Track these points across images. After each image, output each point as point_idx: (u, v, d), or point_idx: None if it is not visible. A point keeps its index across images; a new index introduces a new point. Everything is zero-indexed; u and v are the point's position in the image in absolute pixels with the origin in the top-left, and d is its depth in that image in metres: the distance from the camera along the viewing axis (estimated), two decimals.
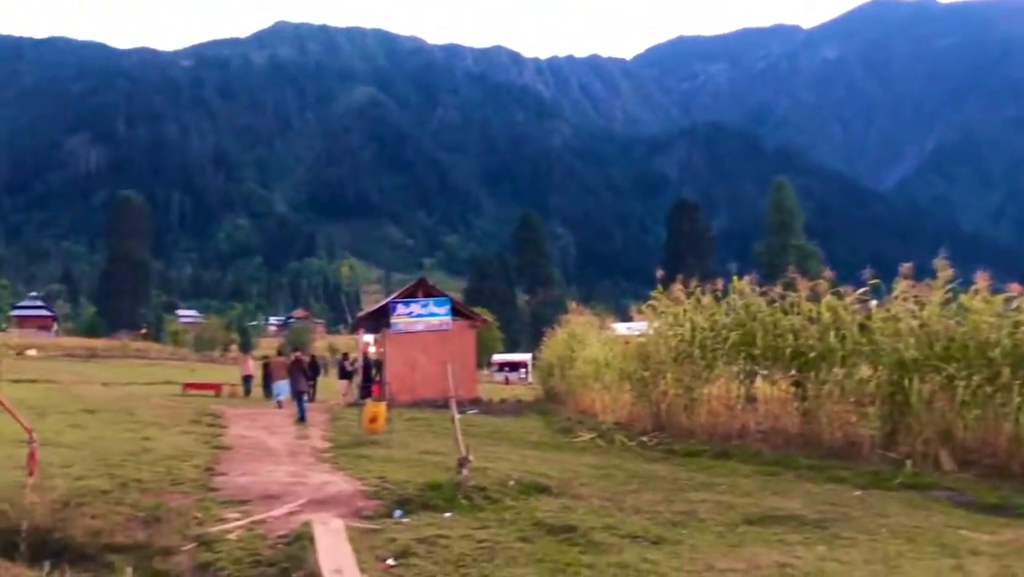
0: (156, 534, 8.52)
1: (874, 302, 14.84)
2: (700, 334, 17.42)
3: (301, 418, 20.32)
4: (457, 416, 11.78)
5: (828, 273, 15.75)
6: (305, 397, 22.18)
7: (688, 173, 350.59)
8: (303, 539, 8.16)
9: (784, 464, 13.46)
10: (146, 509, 9.26)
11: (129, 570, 7.57)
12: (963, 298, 13.34)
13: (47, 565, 7.02)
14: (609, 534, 8.54)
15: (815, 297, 15.63)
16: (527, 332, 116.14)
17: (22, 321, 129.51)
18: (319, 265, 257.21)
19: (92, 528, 8.44)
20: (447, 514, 9.61)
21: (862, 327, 14.50)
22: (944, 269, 13.72)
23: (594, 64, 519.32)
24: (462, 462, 10.65)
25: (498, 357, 76.00)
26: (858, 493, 10.89)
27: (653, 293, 20.23)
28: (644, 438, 17.14)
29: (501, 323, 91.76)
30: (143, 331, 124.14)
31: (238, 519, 9.22)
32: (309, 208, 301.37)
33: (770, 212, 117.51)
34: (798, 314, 15.62)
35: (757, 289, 16.85)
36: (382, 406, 17.59)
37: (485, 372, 64.36)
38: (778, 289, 16.38)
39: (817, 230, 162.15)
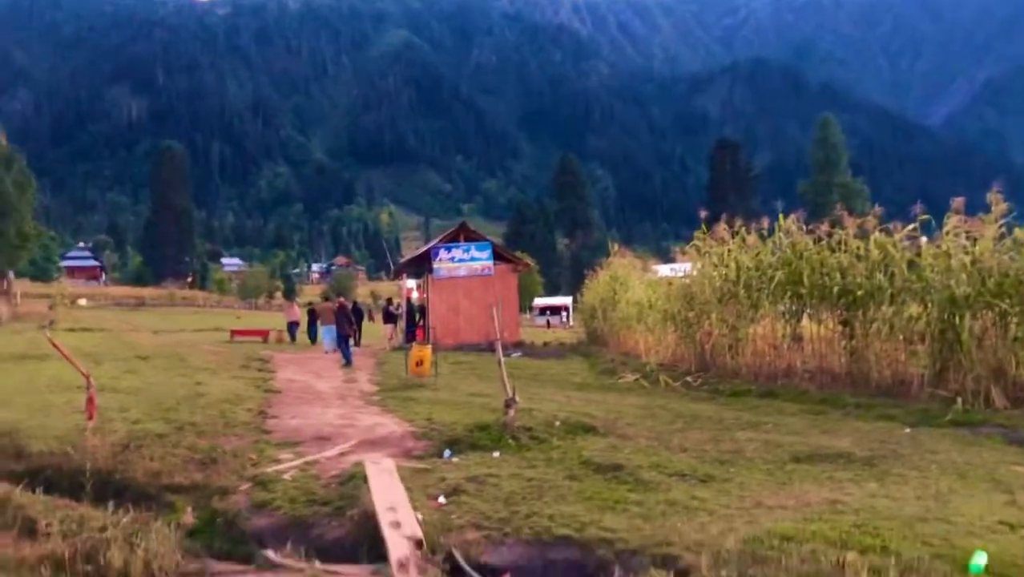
0: (213, 475, 8.77)
1: (924, 239, 14.53)
2: (745, 274, 17.26)
3: (347, 362, 20.60)
4: (503, 358, 11.85)
5: (877, 209, 15.42)
6: (351, 341, 22.46)
7: (729, 111, 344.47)
8: (356, 479, 8.34)
9: (831, 403, 13.39)
10: (202, 451, 9.53)
11: (189, 509, 7.82)
12: (1017, 232, 12.98)
13: (111, 505, 7.26)
14: (657, 472, 8.59)
15: (863, 234, 15.35)
16: (567, 276, 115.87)
17: (72, 271, 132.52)
18: (359, 212, 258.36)
19: (151, 469, 8.72)
20: (495, 454, 9.73)
21: (911, 264, 14.23)
22: (998, 203, 13.35)
23: (632, 1, 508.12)
24: (508, 403, 10.74)
25: (539, 301, 76.03)
26: (908, 431, 10.81)
27: (696, 233, 20.03)
28: (688, 378, 17.14)
29: (541, 267, 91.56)
30: (189, 279, 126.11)
31: (292, 460, 9.44)
32: (347, 154, 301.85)
33: (814, 150, 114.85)
34: (845, 252, 15.35)
35: (803, 227, 16.58)
36: (428, 349, 17.73)
37: (526, 316, 64.46)
38: (825, 227, 16.10)
39: (863, 167, 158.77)
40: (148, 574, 6.04)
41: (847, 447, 9.60)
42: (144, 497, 7.98)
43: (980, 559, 5.25)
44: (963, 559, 5.34)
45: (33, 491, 7.43)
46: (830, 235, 15.87)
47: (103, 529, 6.47)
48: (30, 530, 6.62)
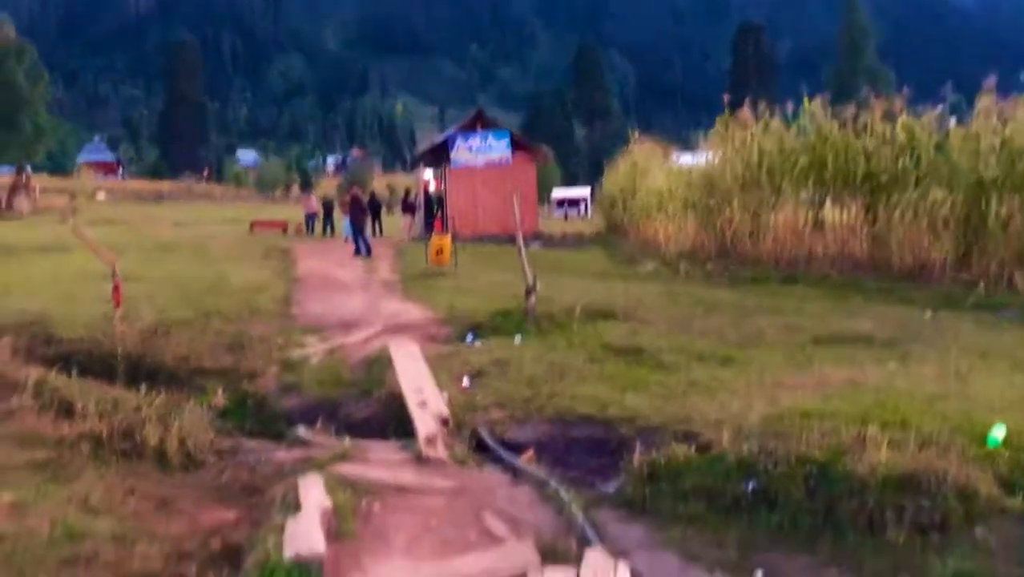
0: (241, 359, 8.95)
1: (953, 120, 14.19)
2: (768, 159, 16.99)
3: (367, 252, 20.66)
4: (523, 245, 11.85)
5: (905, 91, 15.02)
6: (367, 232, 22.46)
7: None
8: (381, 362, 8.50)
9: (853, 288, 13.39)
10: (229, 337, 9.70)
11: (220, 390, 8.00)
12: None
13: (143, 387, 7.42)
14: (677, 355, 8.68)
15: (890, 118, 15.01)
16: (585, 167, 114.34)
17: (89, 165, 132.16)
18: (373, 103, 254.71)
19: (180, 354, 8.91)
20: (517, 339, 9.85)
21: (939, 147, 13.96)
22: None
23: None
24: (529, 290, 10.80)
25: (557, 193, 75.34)
26: (929, 314, 10.82)
27: (719, 119, 19.61)
28: (709, 266, 17.08)
29: (559, 158, 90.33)
30: (205, 173, 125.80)
31: (318, 345, 9.61)
32: (360, 44, 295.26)
33: (840, 34, 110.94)
34: (871, 136, 15.06)
35: (829, 110, 16.20)
36: (447, 239, 17.75)
37: (543, 209, 64.05)
38: (851, 110, 15.73)
39: (890, 52, 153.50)
40: (183, 451, 6.23)
41: (868, 330, 9.64)
42: (175, 380, 8.17)
43: (999, 432, 5.32)
44: (982, 433, 5.41)
45: (67, 375, 7.60)
46: (856, 119, 15.52)
47: (137, 409, 6.63)
48: (67, 411, 6.80)
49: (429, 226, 27.27)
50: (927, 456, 4.82)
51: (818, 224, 16.17)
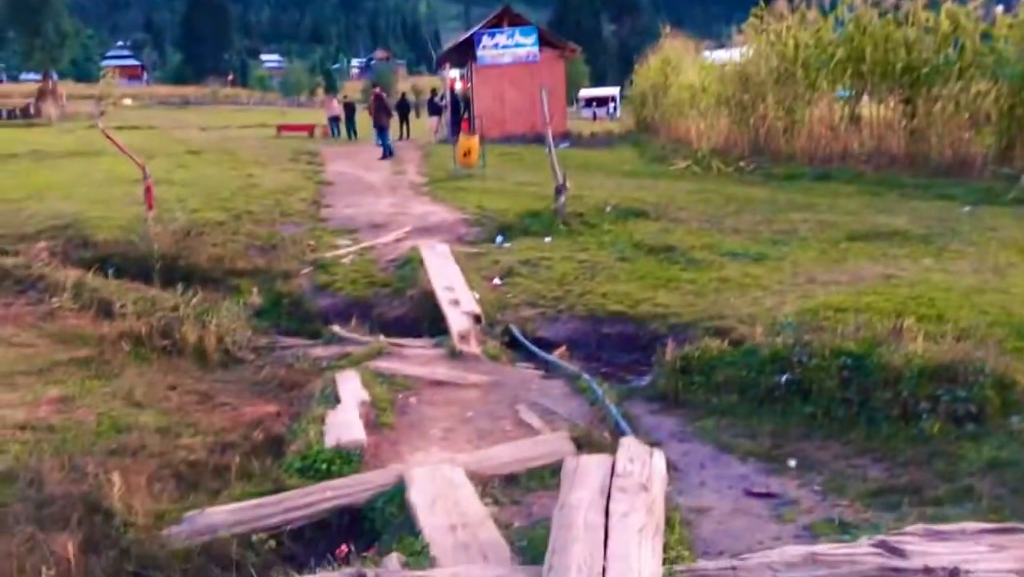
0: (274, 260, 9.04)
1: (1000, 7, 13.60)
2: (803, 52, 16.45)
3: (385, 154, 20.45)
4: (552, 143, 11.70)
5: None
6: (388, 133, 22.11)
7: None
8: (412, 262, 8.53)
9: (889, 184, 13.15)
10: (262, 238, 9.78)
11: (255, 290, 8.10)
12: None
13: (179, 287, 7.52)
14: (709, 252, 8.64)
15: (933, 6, 14.42)
16: (614, 64, 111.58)
17: (113, 70, 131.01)
18: (396, 2, 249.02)
19: (214, 255, 8.98)
20: (547, 239, 9.84)
21: (984, 36, 13.43)
22: None
23: None
24: (559, 189, 10.71)
25: (585, 92, 73.81)
26: (967, 209, 10.63)
27: (753, 10, 18.92)
28: (741, 163, 16.78)
29: (587, 56, 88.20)
30: (230, 77, 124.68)
31: (349, 246, 9.65)
32: None
33: None
34: (913, 25, 14.49)
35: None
36: (475, 140, 17.49)
37: (571, 109, 62.85)
38: None
39: None
40: (222, 348, 6.36)
41: (903, 225, 9.50)
42: (209, 281, 8.26)
43: None
44: (1020, 325, 5.36)
45: (104, 276, 7.71)
46: (897, 8, 14.92)
47: (175, 309, 6.75)
48: (106, 311, 6.93)
49: (456, 127, 26.90)
50: (964, 348, 4.78)
51: (854, 119, 15.75)
